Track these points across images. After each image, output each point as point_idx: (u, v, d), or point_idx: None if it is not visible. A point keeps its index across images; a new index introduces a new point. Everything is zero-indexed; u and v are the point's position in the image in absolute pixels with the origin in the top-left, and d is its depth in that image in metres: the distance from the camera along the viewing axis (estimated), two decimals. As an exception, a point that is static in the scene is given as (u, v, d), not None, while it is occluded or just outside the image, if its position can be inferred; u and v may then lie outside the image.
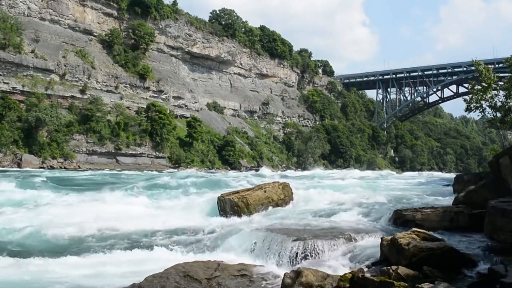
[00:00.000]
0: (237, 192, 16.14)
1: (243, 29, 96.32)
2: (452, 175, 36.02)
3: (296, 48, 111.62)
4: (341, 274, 6.70)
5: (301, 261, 8.84)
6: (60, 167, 51.24)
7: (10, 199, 17.63)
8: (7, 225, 12.72)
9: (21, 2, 60.27)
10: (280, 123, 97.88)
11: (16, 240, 11.50)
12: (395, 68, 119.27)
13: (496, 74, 26.86)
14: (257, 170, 69.43)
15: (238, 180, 28.17)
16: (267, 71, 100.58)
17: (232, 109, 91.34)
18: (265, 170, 60.17)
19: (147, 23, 75.15)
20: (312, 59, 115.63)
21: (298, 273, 6.88)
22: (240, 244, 10.45)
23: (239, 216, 14.68)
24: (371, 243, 9.15)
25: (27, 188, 20.89)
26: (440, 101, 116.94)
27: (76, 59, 63.29)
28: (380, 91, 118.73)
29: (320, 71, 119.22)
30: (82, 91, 61.35)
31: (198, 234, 11.88)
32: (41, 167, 48.49)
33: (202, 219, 14.84)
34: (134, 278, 8.04)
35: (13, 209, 15.83)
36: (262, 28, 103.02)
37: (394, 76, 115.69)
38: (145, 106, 67.84)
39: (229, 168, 71.28)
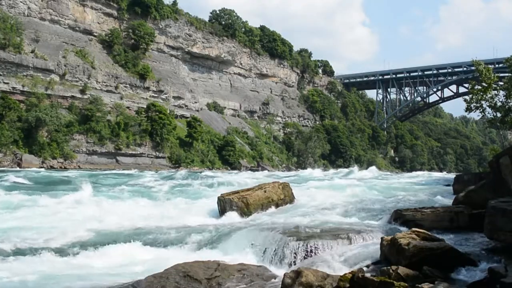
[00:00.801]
0: (237, 192, 16.14)
1: (243, 29, 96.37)
2: (452, 175, 36.01)
3: (296, 48, 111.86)
4: (341, 274, 6.70)
5: (301, 261, 8.83)
6: (60, 167, 51.28)
7: None
8: None
9: (21, 2, 60.30)
10: (280, 123, 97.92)
11: None
12: (395, 68, 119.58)
13: (496, 74, 26.90)
14: (256, 170, 69.43)
15: (215, 189, 23.95)
16: (267, 71, 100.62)
17: (232, 109, 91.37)
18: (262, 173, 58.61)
19: (147, 23, 75.19)
20: (312, 59, 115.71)
21: (298, 273, 6.87)
22: (240, 244, 10.44)
23: (239, 216, 14.68)
24: (371, 243, 9.15)
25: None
26: (440, 101, 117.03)
27: (76, 59, 63.33)
28: (380, 91, 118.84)
29: (320, 71, 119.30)
30: (82, 91, 61.38)
31: (198, 234, 11.86)
32: (41, 167, 48.49)
33: (201, 219, 14.83)
34: (134, 278, 8.04)
35: None
36: (262, 28, 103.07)
37: (394, 76, 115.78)
38: (145, 106, 67.88)
39: (229, 168, 71.30)
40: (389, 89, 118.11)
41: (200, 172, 44.81)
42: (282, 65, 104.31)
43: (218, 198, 15.73)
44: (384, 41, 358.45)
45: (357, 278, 6.23)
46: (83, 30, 68.27)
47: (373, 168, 59.06)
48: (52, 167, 50.12)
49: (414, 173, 64.67)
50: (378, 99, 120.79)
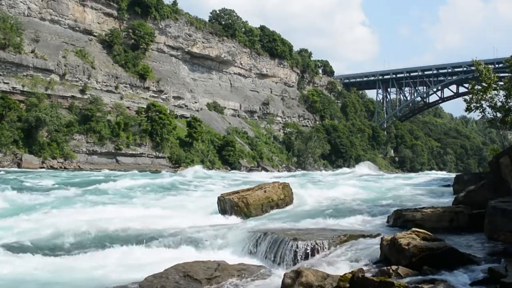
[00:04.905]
0: (237, 192, 16.16)
1: (243, 29, 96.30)
2: (452, 175, 36.01)
3: (296, 48, 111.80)
4: (341, 274, 6.70)
5: (301, 261, 8.84)
6: (60, 167, 51.28)
7: None
8: None
9: (21, 2, 60.27)
10: (280, 123, 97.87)
11: None
12: (395, 68, 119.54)
13: (496, 74, 26.87)
14: (256, 170, 69.55)
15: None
16: (267, 71, 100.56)
17: (232, 109, 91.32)
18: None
19: (147, 23, 75.14)
20: (312, 59, 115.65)
21: (298, 273, 6.88)
22: (240, 244, 10.45)
23: (239, 216, 14.69)
24: (371, 243, 9.15)
25: None
26: (440, 101, 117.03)
27: (76, 59, 63.30)
28: (380, 91, 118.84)
29: (320, 71, 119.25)
30: (82, 91, 61.36)
31: (198, 234, 11.86)
32: (41, 167, 48.50)
33: (202, 219, 14.83)
34: (135, 278, 8.04)
35: None
36: (262, 28, 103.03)
37: (394, 76, 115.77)
38: (145, 106, 67.82)
39: (229, 168, 71.34)
40: (389, 89, 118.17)
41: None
42: (282, 65, 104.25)
43: (218, 198, 15.76)
44: (384, 41, 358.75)
45: (357, 278, 6.24)
46: (83, 30, 68.22)
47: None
48: (52, 167, 50.13)
49: (406, 174, 64.71)
50: (378, 99, 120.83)
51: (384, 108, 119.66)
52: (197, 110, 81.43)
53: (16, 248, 10.54)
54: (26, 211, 15.40)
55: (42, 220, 14.04)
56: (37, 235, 11.81)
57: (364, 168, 61.47)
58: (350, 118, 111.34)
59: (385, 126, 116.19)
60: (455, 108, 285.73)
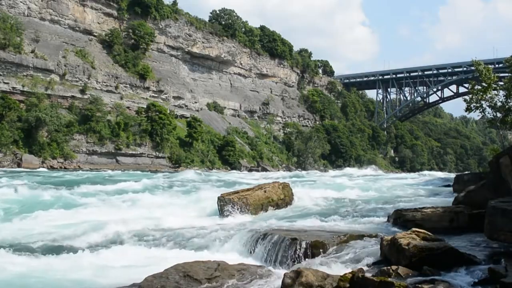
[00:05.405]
0: (237, 192, 16.15)
1: (243, 29, 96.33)
2: (451, 175, 36.00)
3: (296, 48, 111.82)
4: (341, 274, 6.70)
5: (301, 261, 8.83)
6: (60, 167, 51.28)
7: None
8: None
9: (21, 2, 60.28)
10: (280, 123, 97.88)
11: None
12: (395, 68, 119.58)
13: (496, 74, 26.88)
14: (256, 170, 69.54)
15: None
16: (267, 71, 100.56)
17: (232, 109, 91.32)
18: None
19: (147, 23, 75.16)
20: (312, 59, 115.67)
21: (298, 273, 6.87)
22: (240, 244, 10.44)
23: (239, 216, 14.68)
24: (371, 243, 9.15)
25: None
26: (440, 101, 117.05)
27: (76, 59, 63.30)
28: (380, 91, 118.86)
29: (320, 71, 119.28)
30: (82, 91, 61.38)
31: (198, 234, 11.86)
32: (41, 167, 48.49)
33: (201, 219, 14.83)
34: (134, 278, 8.04)
35: None
36: (262, 28, 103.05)
37: (394, 76, 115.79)
38: (145, 106, 67.84)
39: (229, 168, 71.34)
40: (389, 89, 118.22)
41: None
42: (282, 65, 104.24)
43: (218, 198, 15.73)
44: (384, 41, 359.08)
45: (357, 278, 6.23)
46: (83, 30, 68.23)
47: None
48: (52, 167, 50.13)
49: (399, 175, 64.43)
50: (378, 99, 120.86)
51: (384, 108, 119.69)
52: (197, 110, 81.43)
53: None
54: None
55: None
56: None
57: (368, 170, 61.82)
58: (350, 118, 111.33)
59: (385, 126, 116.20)
60: (455, 108, 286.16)
